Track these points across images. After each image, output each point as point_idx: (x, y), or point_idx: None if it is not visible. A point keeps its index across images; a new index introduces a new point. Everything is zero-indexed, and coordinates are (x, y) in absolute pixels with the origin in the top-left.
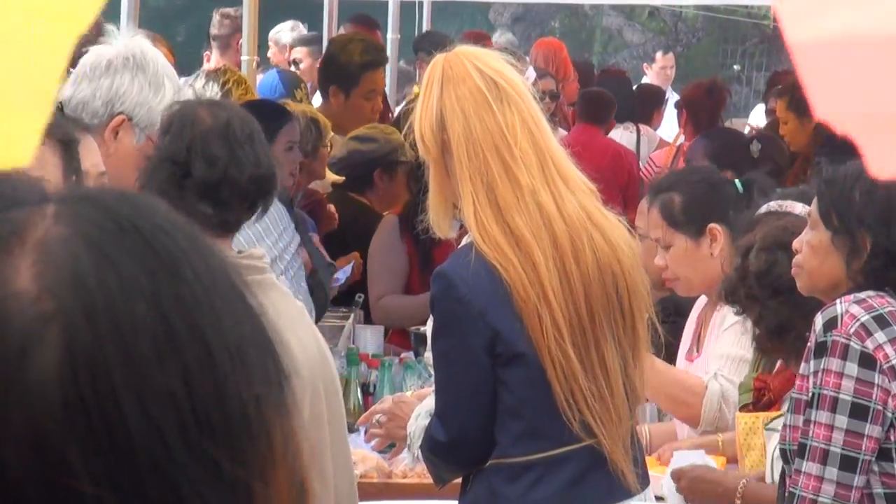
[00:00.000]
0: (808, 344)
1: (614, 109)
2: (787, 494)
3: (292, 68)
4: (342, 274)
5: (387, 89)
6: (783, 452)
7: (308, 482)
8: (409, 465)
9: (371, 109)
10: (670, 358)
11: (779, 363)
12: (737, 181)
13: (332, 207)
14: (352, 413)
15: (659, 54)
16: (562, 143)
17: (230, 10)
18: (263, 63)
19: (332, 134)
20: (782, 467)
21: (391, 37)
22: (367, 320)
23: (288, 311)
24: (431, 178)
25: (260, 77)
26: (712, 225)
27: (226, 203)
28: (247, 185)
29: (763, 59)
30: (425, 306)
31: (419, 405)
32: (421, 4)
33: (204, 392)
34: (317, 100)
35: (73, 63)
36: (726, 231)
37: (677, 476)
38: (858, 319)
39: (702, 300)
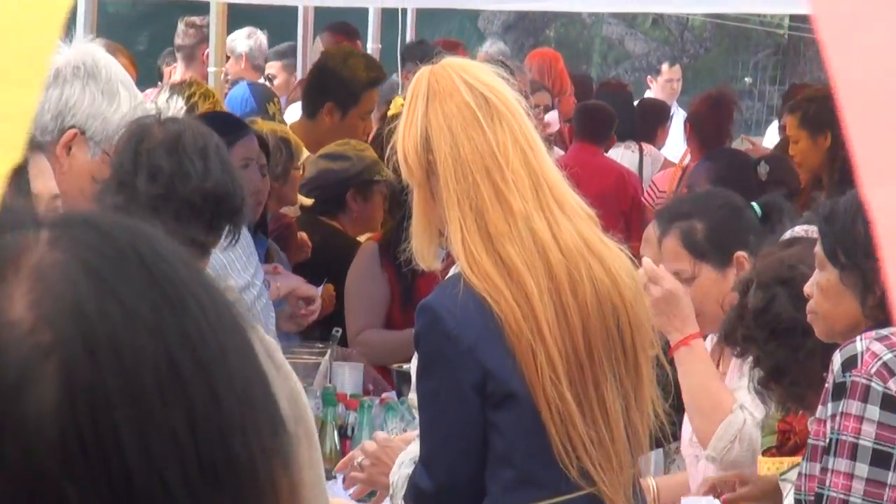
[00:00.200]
0: (826, 385)
1: (615, 125)
2: None
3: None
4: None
5: None
6: None
7: None
8: None
9: (363, 130)
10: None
11: None
12: (754, 205)
13: (303, 235)
14: (328, 458)
15: (664, 66)
16: (557, 163)
17: (195, 19)
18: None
19: (307, 154)
20: None
21: (371, 47)
22: (345, 357)
23: (264, 349)
24: (415, 202)
25: (228, 90)
26: (739, 253)
27: (177, 219)
28: (195, 199)
29: (777, 72)
30: (409, 342)
31: (403, 451)
32: (404, 12)
33: (209, 436)
34: (290, 115)
35: None
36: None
37: None
38: (880, 358)
39: (712, 336)
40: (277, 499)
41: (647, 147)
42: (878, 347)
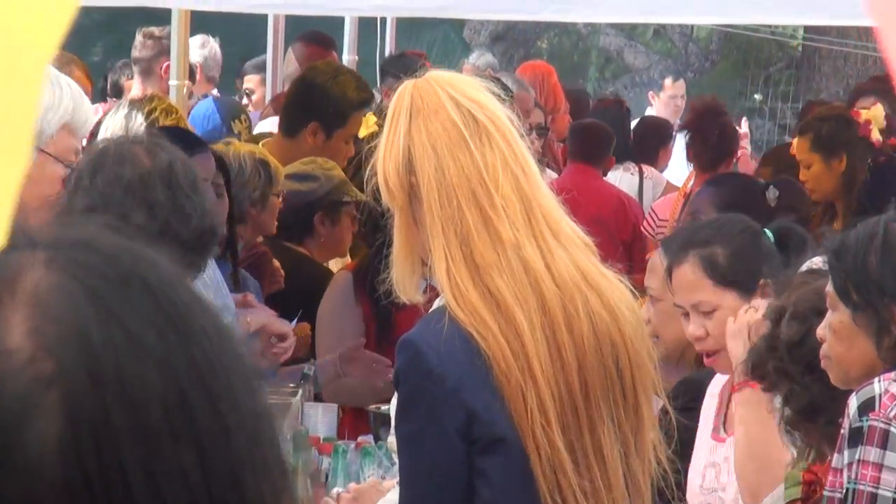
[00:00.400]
0: (842, 430)
1: (612, 145)
2: None
3: (244, 100)
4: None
5: None
6: None
7: None
8: None
9: (346, 155)
10: (687, 444)
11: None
12: (766, 231)
13: (276, 263)
14: None
15: (667, 81)
16: (551, 186)
17: (154, 30)
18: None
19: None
20: None
21: (348, 58)
22: (318, 398)
23: None
24: (396, 228)
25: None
26: (765, 280)
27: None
28: (191, 238)
29: (790, 88)
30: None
31: (381, 499)
32: (383, 21)
33: (220, 475)
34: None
35: None
36: None
37: None
38: None
39: (720, 376)
40: None
41: (647, 169)
42: None
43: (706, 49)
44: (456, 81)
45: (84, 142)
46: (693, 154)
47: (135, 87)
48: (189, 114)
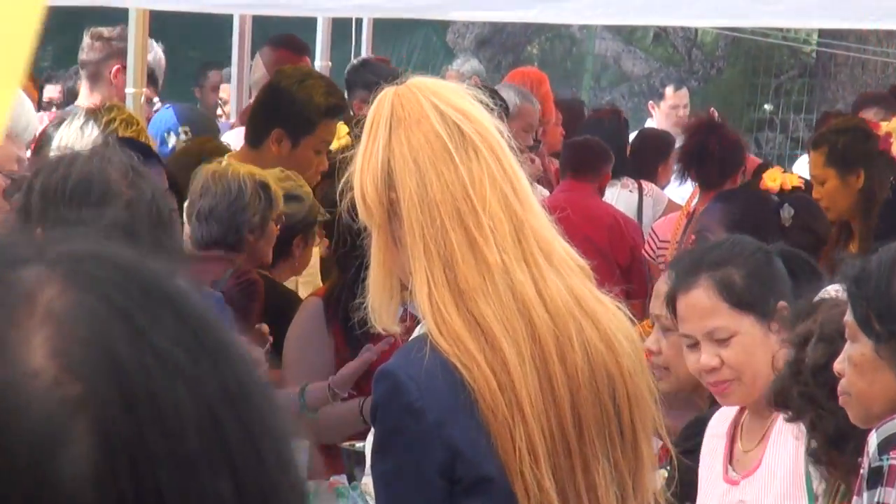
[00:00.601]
0: (861, 470)
1: (610, 161)
2: None
3: (218, 111)
4: None
5: None
6: None
7: None
8: None
9: (316, 166)
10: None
11: None
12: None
13: (264, 328)
14: None
15: (668, 89)
16: (543, 204)
17: (103, 31)
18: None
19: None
20: None
21: (320, 64)
22: None
23: None
24: (374, 249)
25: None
26: (782, 303)
27: None
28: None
29: (803, 98)
30: (363, 415)
31: None
32: (359, 23)
33: (253, 495)
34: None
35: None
36: None
37: None
38: None
39: (730, 410)
40: None
41: (647, 186)
42: None
43: (712, 55)
44: (440, 89)
45: (29, 152)
46: (695, 174)
47: (82, 93)
48: (148, 122)
